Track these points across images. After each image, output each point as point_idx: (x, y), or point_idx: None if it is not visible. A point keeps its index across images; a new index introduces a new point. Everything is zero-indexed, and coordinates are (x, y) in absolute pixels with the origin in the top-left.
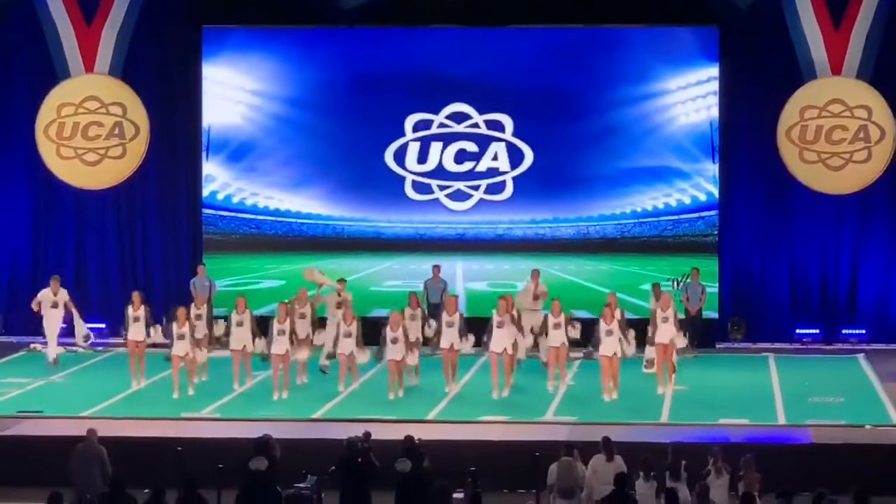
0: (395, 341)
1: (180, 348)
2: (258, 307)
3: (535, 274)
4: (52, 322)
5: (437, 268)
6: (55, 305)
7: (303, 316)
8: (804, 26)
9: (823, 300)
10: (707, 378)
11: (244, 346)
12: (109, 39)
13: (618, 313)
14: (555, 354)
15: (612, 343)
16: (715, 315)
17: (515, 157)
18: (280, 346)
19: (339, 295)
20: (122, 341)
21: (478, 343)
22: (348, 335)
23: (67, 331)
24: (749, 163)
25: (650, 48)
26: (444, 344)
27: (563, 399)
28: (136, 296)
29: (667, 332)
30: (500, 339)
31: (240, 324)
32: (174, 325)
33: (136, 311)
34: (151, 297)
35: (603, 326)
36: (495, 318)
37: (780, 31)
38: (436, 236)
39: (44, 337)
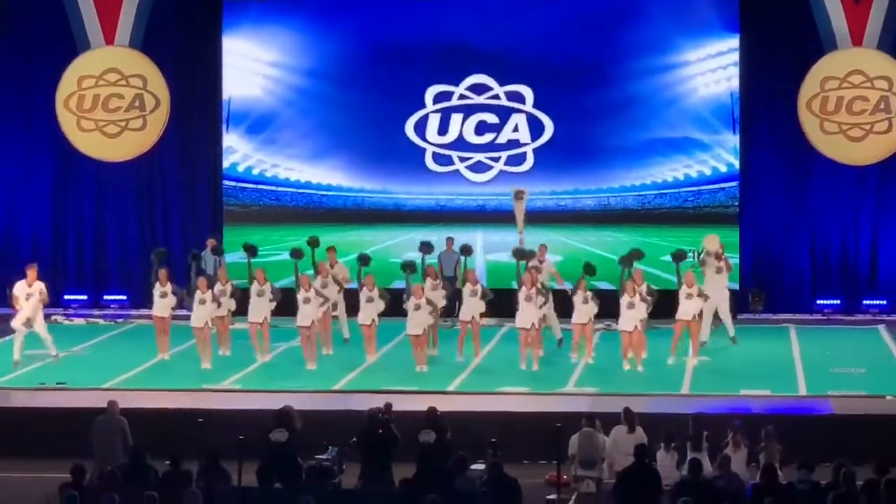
0: (417, 308)
1: (200, 317)
2: (278, 279)
3: (542, 249)
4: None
5: (450, 240)
6: (30, 298)
7: (324, 286)
8: None
9: (844, 271)
10: (728, 349)
11: (265, 318)
12: (130, 11)
13: (643, 288)
14: (580, 330)
15: (632, 317)
16: (735, 286)
17: (536, 128)
18: (305, 317)
19: (332, 267)
20: (142, 313)
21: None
22: (370, 301)
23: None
24: (769, 134)
25: (671, 19)
26: (464, 316)
27: (584, 370)
28: (162, 273)
29: (690, 308)
30: (528, 312)
31: (260, 294)
32: (196, 293)
33: (164, 288)
34: (172, 269)
35: (626, 299)
36: (523, 292)
37: (800, 2)
38: (456, 208)
39: (65, 310)
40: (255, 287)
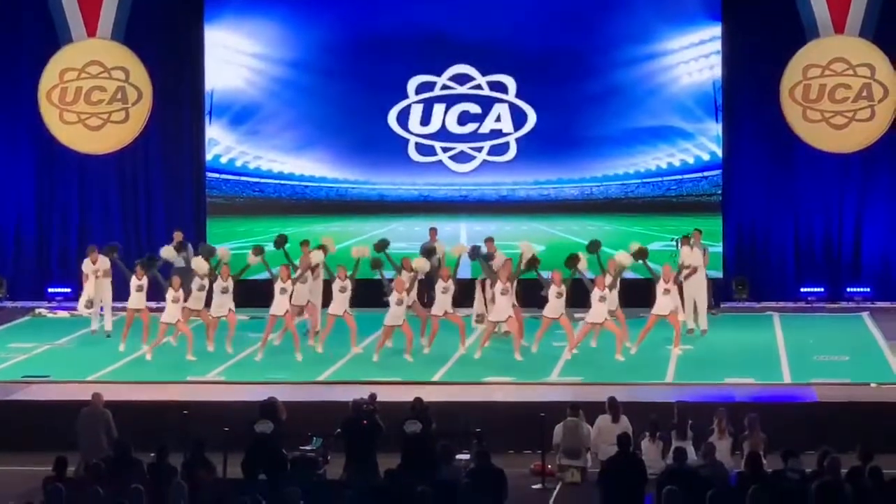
0: (399, 303)
1: (172, 314)
2: (262, 270)
3: (490, 242)
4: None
5: (433, 230)
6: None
7: (304, 280)
8: None
9: (828, 259)
10: (712, 337)
11: (229, 311)
12: (111, 4)
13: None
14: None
15: (602, 309)
16: (719, 275)
17: (518, 118)
18: (281, 306)
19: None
20: (125, 305)
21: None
22: (343, 290)
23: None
24: (752, 122)
25: (653, 7)
26: (436, 311)
27: (568, 359)
28: (140, 266)
29: (667, 303)
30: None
31: (224, 290)
32: (170, 290)
33: (140, 281)
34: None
35: (596, 293)
36: (498, 287)
37: None
38: (439, 198)
39: (49, 302)
40: (219, 282)
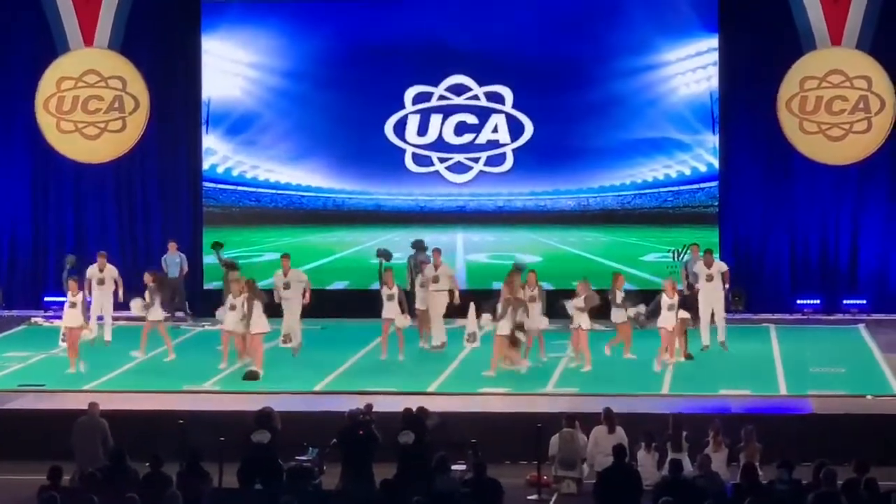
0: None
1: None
2: (259, 280)
3: (437, 253)
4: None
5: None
6: (101, 282)
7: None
8: None
9: (824, 271)
10: (708, 349)
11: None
12: (109, 13)
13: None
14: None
15: (670, 317)
16: None
17: (515, 128)
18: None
19: (286, 274)
20: (121, 314)
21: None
22: (390, 298)
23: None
24: (749, 134)
25: (650, 19)
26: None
27: (564, 370)
28: (72, 282)
29: (670, 318)
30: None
31: (233, 307)
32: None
33: (74, 298)
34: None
35: (665, 300)
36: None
37: (779, 2)
38: (436, 208)
39: (45, 311)
40: (230, 299)
